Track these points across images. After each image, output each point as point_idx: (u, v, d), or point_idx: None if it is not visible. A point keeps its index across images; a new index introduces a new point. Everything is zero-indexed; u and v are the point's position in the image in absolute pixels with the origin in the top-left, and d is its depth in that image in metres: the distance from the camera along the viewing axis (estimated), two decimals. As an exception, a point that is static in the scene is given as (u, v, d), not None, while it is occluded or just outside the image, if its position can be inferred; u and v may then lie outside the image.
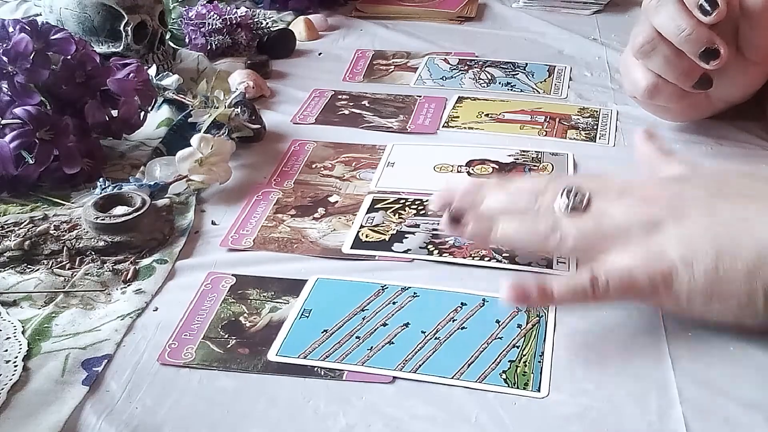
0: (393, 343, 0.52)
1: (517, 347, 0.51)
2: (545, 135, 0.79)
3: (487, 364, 0.50)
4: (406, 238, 0.62)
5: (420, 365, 0.50)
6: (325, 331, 0.53)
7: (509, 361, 0.50)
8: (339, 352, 0.51)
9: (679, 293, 0.49)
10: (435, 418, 0.46)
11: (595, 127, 0.80)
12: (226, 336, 0.53)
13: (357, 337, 0.52)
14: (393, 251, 0.61)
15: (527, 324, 0.53)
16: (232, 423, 0.46)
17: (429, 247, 0.61)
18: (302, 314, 0.54)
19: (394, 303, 0.55)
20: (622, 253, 0.50)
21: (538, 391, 0.48)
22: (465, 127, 0.81)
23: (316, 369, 0.50)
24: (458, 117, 0.83)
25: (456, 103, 0.86)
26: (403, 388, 0.48)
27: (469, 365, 0.50)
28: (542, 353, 0.51)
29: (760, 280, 0.47)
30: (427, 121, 0.82)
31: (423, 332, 0.52)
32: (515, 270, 0.59)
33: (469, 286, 0.57)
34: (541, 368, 0.49)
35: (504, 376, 0.49)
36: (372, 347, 0.51)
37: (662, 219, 0.50)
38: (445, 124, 0.81)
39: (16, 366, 0.49)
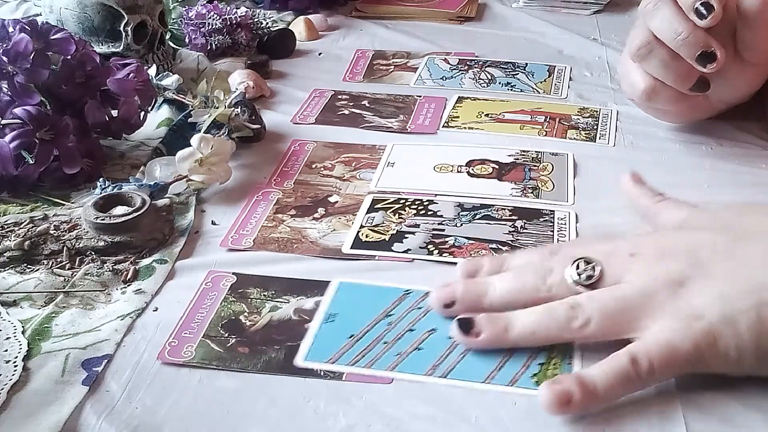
0: (421, 348, 0.51)
1: (546, 350, 0.50)
2: (545, 135, 0.79)
3: (517, 368, 0.49)
4: (406, 238, 0.62)
5: (450, 370, 0.49)
6: (352, 336, 0.52)
7: (539, 364, 0.49)
8: (367, 357, 0.50)
9: (727, 354, 0.46)
10: (435, 418, 0.46)
11: (595, 127, 0.80)
12: (226, 335, 0.53)
13: (385, 343, 0.52)
14: (393, 251, 0.61)
15: None
16: (232, 423, 0.46)
17: (429, 247, 0.61)
18: (328, 319, 0.54)
19: (419, 308, 0.55)
20: (654, 324, 0.47)
21: None
22: (465, 127, 0.81)
23: (316, 369, 0.50)
24: (458, 117, 0.83)
25: (456, 103, 0.86)
26: (403, 388, 0.48)
27: (500, 369, 0.49)
28: (571, 356, 0.50)
29: None
30: (427, 121, 0.82)
31: (450, 337, 0.52)
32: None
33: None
34: (571, 370, 0.49)
35: (535, 379, 0.48)
36: (400, 353, 0.51)
37: (686, 275, 0.48)
38: (445, 124, 0.81)
39: (16, 366, 0.49)
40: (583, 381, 0.45)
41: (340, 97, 0.88)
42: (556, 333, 0.49)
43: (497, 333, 0.50)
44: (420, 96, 0.87)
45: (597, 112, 0.83)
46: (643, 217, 0.61)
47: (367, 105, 0.86)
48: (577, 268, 0.50)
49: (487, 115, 0.83)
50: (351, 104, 0.86)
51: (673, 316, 0.47)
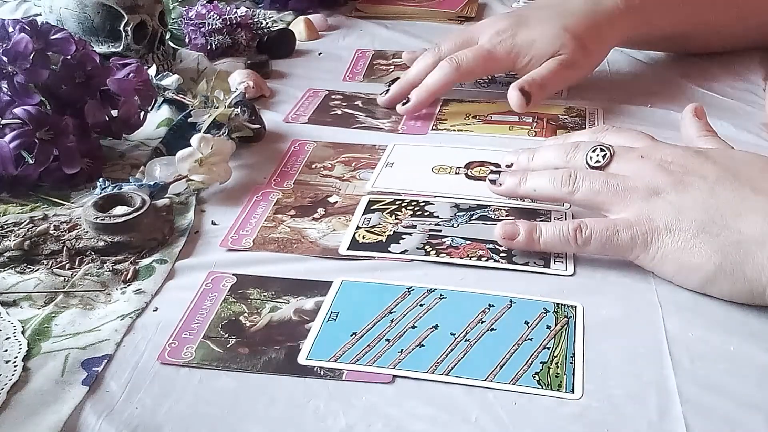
0: (423, 345, 0.51)
1: (548, 348, 0.51)
2: (535, 135, 0.79)
3: (519, 366, 0.49)
4: (403, 239, 0.62)
5: (452, 368, 0.49)
6: (354, 333, 0.52)
7: (541, 363, 0.50)
8: (369, 355, 0.51)
9: (654, 255, 0.55)
10: (435, 418, 0.46)
11: (583, 126, 0.80)
12: (227, 336, 0.53)
13: (387, 340, 0.52)
14: (390, 252, 0.61)
15: (556, 325, 0.53)
16: (232, 423, 0.46)
17: (426, 247, 0.61)
18: (330, 317, 0.54)
19: (421, 305, 0.55)
20: (619, 212, 0.57)
21: (572, 392, 0.48)
22: (454, 130, 0.81)
23: (316, 369, 0.50)
24: (446, 120, 0.83)
25: (442, 105, 0.85)
26: (403, 388, 0.48)
27: (501, 367, 0.49)
28: (573, 354, 0.51)
29: (725, 264, 0.53)
30: (419, 123, 0.82)
31: (452, 334, 0.52)
32: (513, 270, 0.59)
33: (470, 285, 0.57)
34: (574, 369, 0.49)
35: (537, 377, 0.49)
36: (402, 350, 0.51)
37: (665, 187, 0.56)
38: (434, 127, 0.81)
39: (16, 366, 0.50)
40: (532, 231, 0.58)
41: (333, 97, 0.88)
42: (552, 192, 0.60)
43: (512, 186, 0.63)
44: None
45: (583, 111, 0.83)
46: (686, 141, 0.67)
47: (360, 105, 0.86)
48: (593, 151, 0.60)
49: (474, 117, 0.83)
50: (344, 104, 0.86)
51: (634, 211, 0.56)
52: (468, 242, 0.61)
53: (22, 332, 0.53)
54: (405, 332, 0.52)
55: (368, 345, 0.51)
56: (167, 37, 0.95)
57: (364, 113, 0.84)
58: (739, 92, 0.87)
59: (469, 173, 0.72)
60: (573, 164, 0.61)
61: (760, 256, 0.52)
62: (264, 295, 0.56)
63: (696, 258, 0.54)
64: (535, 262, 0.59)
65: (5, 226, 0.63)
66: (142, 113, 0.77)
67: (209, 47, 0.97)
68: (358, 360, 0.50)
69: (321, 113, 0.85)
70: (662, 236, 0.55)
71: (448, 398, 0.48)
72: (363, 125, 0.82)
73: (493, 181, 0.64)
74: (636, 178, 0.57)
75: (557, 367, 0.49)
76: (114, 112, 0.74)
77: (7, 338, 0.52)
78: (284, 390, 0.48)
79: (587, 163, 0.60)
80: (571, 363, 0.50)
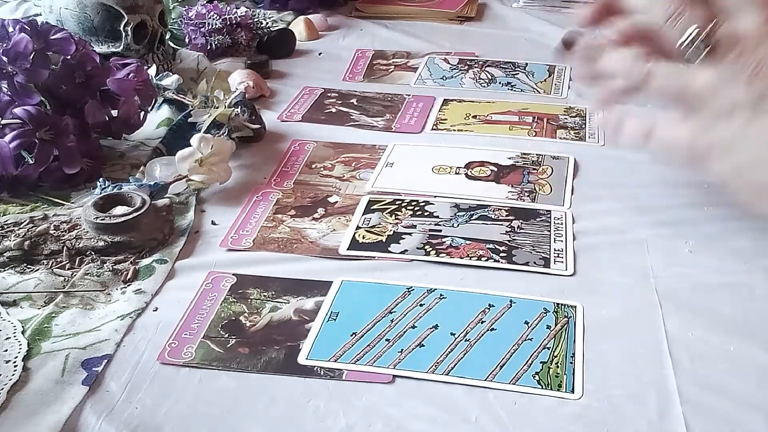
0: (423, 345, 0.51)
1: (548, 348, 0.51)
2: (535, 135, 0.79)
3: (519, 366, 0.50)
4: (403, 239, 0.62)
5: (452, 368, 0.49)
6: (354, 333, 0.52)
7: (541, 363, 0.50)
8: (369, 355, 0.51)
9: (706, 167, 0.53)
10: (435, 418, 0.46)
11: (583, 126, 0.80)
12: (227, 335, 0.53)
13: (387, 340, 0.52)
14: (390, 252, 0.61)
15: (556, 325, 0.53)
16: (232, 423, 0.46)
17: (426, 247, 0.61)
18: (330, 317, 0.54)
19: (421, 305, 0.55)
20: (685, 117, 0.53)
21: (572, 392, 0.48)
22: (454, 129, 0.81)
23: (316, 369, 0.50)
24: (446, 119, 0.83)
25: (442, 105, 0.85)
26: (403, 388, 0.48)
27: (502, 367, 0.50)
28: (573, 354, 0.51)
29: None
30: (412, 121, 0.82)
31: (453, 334, 0.52)
32: (513, 270, 0.59)
33: (470, 285, 0.57)
34: (574, 369, 0.49)
35: (537, 377, 0.49)
36: (402, 350, 0.51)
37: (741, 106, 0.51)
38: (434, 127, 0.81)
39: (16, 366, 0.49)
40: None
41: (329, 95, 0.88)
42: (625, 75, 0.56)
43: (586, 59, 0.58)
44: (409, 95, 0.87)
45: (584, 111, 0.83)
46: None
47: (354, 103, 0.86)
48: (692, 40, 0.53)
49: (474, 116, 0.83)
50: (339, 102, 0.87)
51: (699, 125, 0.52)
52: (468, 242, 0.61)
53: (22, 332, 0.52)
54: (405, 332, 0.52)
55: (368, 345, 0.51)
56: (167, 37, 0.95)
57: (358, 111, 0.84)
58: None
59: (469, 173, 0.72)
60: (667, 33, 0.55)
61: None
62: (264, 295, 0.56)
63: (740, 189, 0.53)
64: (535, 262, 0.59)
65: (5, 226, 0.63)
66: (142, 113, 0.77)
67: (209, 47, 0.97)
68: (358, 360, 0.50)
69: (315, 111, 0.85)
70: (717, 159, 0.52)
71: (448, 398, 0.48)
72: (357, 123, 0.82)
73: (567, 47, 0.58)
74: (715, 91, 0.52)
75: (557, 367, 0.49)
76: (114, 112, 0.74)
77: (7, 338, 0.52)
78: (284, 390, 0.48)
79: (679, 44, 0.54)
80: (571, 363, 0.50)
